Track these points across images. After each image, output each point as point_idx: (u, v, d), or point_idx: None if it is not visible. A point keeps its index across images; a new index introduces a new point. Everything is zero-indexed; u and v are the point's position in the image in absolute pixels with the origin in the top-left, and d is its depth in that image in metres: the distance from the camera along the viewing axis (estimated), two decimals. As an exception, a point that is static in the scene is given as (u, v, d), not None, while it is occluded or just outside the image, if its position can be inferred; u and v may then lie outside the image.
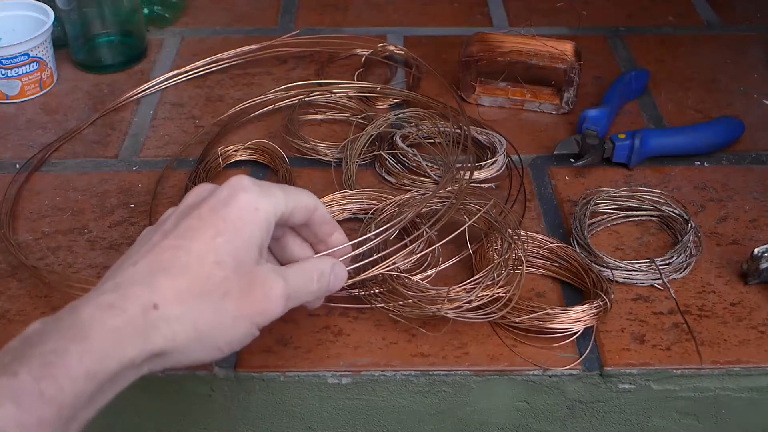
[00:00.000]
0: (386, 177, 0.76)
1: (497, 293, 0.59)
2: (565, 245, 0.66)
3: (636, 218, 0.72)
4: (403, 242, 0.62)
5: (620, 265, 0.65)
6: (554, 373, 0.59)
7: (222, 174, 0.76)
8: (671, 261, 0.66)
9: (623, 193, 0.72)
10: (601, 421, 0.62)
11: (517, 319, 0.60)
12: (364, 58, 0.92)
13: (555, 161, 0.79)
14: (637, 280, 0.65)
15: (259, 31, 0.99)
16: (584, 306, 0.60)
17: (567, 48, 0.83)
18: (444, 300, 0.58)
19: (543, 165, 0.79)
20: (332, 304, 0.61)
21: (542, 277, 0.66)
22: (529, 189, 0.75)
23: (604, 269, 0.65)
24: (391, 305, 0.61)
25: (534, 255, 0.66)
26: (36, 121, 0.84)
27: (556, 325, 0.59)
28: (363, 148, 0.77)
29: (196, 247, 0.47)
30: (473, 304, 0.59)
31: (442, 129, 0.78)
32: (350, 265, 0.58)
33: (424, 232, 0.63)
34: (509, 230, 0.64)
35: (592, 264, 0.65)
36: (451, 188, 0.67)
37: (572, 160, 0.78)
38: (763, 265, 0.64)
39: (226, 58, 0.91)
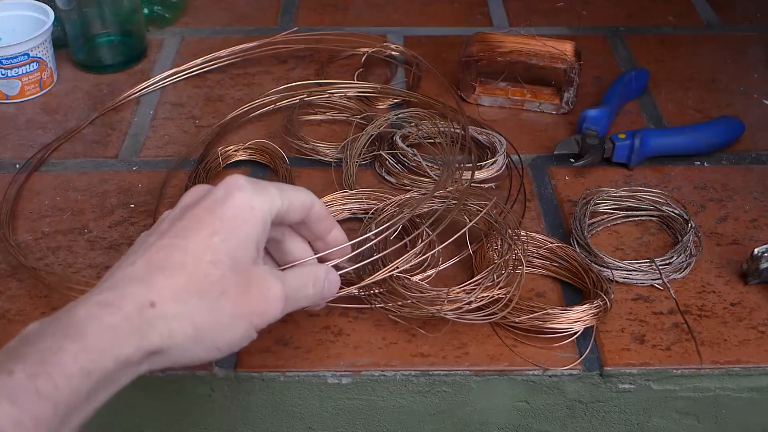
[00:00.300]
0: (386, 177, 0.76)
1: (497, 294, 0.59)
2: (565, 245, 0.66)
3: (636, 218, 0.72)
4: (403, 242, 0.62)
5: (620, 265, 0.65)
6: (554, 373, 0.59)
7: (222, 174, 0.76)
8: (671, 261, 0.66)
9: (623, 193, 0.72)
10: (601, 421, 0.62)
11: (517, 320, 0.60)
12: (364, 58, 0.93)
13: (555, 161, 0.79)
14: (637, 280, 0.65)
15: (259, 31, 0.99)
16: (584, 306, 0.60)
17: (567, 48, 0.83)
18: (444, 301, 0.58)
19: (543, 165, 0.79)
20: (332, 304, 0.61)
21: (542, 277, 0.66)
22: (529, 189, 0.75)
23: (604, 269, 0.65)
24: (390, 306, 0.61)
25: (534, 255, 0.66)
26: (36, 121, 0.84)
27: (556, 325, 0.59)
28: (363, 148, 0.77)
29: (193, 246, 0.47)
30: (473, 305, 0.59)
31: (442, 129, 0.78)
32: (350, 264, 0.58)
33: (426, 234, 0.63)
34: (509, 230, 0.64)
35: (592, 264, 0.65)
36: (451, 188, 0.67)
37: (572, 160, 0.78)
38: (763, 265, 0.64)
39: (225, 56, 0.91)
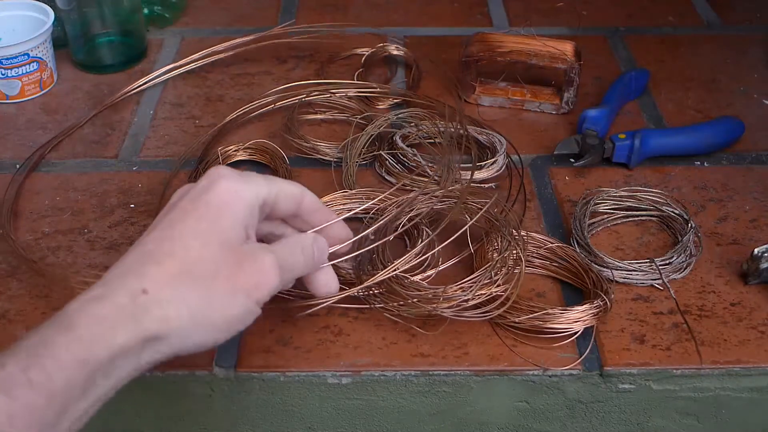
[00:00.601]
0: (386, 177, 0.76)
1: (495, 292, 0.59)
2: (565, 245, 0.66)
3: (636, 218, 0.72)
4: (403, 242, 0.62)
5: (620, 265, 0.65)
6: (554, 373, 0.59)
7: (222, 174, 0.76)
8: (671, 261, 0.66)
9: (623, 193, 0.72)
10: (601, 421, 0.62)
11: (517, 319, 0.60)
12: (364, 58, 0.93)
13: (555, 161, 0.79)
14: (637, 280, 0.65)
15: (259, 31, 0.99)
16: (584, 306, 0.60)
17: (567, 48, 0.83)
18: (440, 298, 0.58)
19: (543, 165, 0.79)
20: (332, 304, 0.61)
21: (542, 277, 0.66)
22: (529, 189, 0.75)
23: (604, 269, 0.65)
24: (390, 305, 0.60)
25: (534, 255, 0.66)
26: (36, 121, 0.84)
27: (556, 325, 0.59)
28: (363, 148, 0.77)
29: (180, 234, 0.48)
30: (471, 303, 0.59)
31: (441, 129, 0.77)
32: (351, 250, 0.58)
33: (426, 234, 0.63)
34: (508, 229, 0.64)
35: (592, 264, 0.65)
36: (452, 188, 0.67)
37: (572, 160, 0.78)
38: (763, 265, 0.64)
39: (222, 50, 0.91)
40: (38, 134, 0.82)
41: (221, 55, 0.91)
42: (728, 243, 0.70)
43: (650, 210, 0.72)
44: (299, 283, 0.57)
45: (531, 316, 0.59)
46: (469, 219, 0.64)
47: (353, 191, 0.71)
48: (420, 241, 0.62)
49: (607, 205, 0.72)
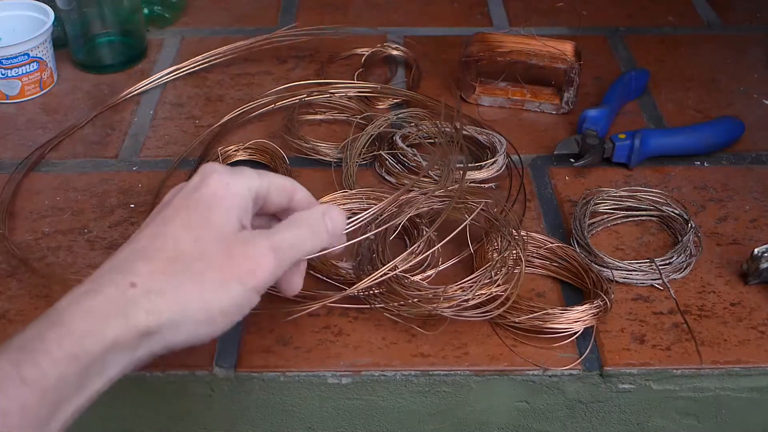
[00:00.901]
0: (386, 177, 0.76)
1: (495, 292, 0.59)
2: (565, 245, 0.66)
3: (636, 218, 0.72)
4: (398, 237, 0.62)
5: (620, 265, 0.65)
6: (554, 373, 0.59)
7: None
8: (671, 261, 0.66)
9: (623, 193, 0.72)
10: (601, 421, 0.62)
11: (517, 319, 0.60)
12: (364, 58, 0.93)
13: (555, 161, 0.79)
14: (637, 280, 0.65)
15: (259, 31, 0.99)
16: (584, 306, 0.60)
17: (567, 48, 0.83)
18: (440, 298, 0.58)
19: (543, 165, 0.79)
20: (332, 305, 0.61)
21: (542, 277, 0.66)
22: (529, 189, 0.75)
23: (604, 269, 0.65)
24: (390, 305, 0.60)
25: (534, 255, 0.66)
26: (36, 121, 0.84)
27: (556, 325, 0.59)
28: (363, 148, 0.77)
29: (172, 230, 0.48)
30: (471, 303, 0.59)
31: (441, 129, 0.77)
32: (348, 240, 0.57)
33: (424, 232, 0.63)
34: (508, 229, 0.64)
35: (592, 264, 0.65)
36: (451, 188, 0.67)
37: (572, 160, 0.78)
38: (763, 265, 0.64)
39: (222, 52, 0.91)
40: (38, 134, 0.82)
41: (222, 58, 0.91)
42: (728, 243, 0.70)
43: (650, 210, 0.72)
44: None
45: (531, 316, 0.59)
46: (467, 218, 0.64)
47: (353, 191, 0.71)
48: (419, 240, 0.62)
49: (607, 205, 0.72)
